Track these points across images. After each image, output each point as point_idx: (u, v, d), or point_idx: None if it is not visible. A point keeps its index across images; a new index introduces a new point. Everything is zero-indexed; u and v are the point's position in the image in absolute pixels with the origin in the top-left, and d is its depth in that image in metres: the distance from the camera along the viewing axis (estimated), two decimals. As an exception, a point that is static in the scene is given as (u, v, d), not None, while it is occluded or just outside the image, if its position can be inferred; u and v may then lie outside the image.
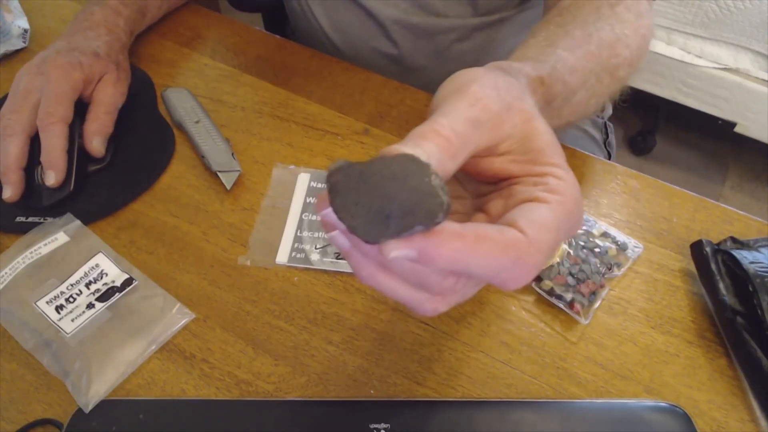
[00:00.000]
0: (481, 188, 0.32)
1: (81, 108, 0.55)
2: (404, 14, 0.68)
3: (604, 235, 0.51)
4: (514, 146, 0.29)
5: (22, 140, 0.52)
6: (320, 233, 0.51)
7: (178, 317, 0.46)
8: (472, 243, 0.24)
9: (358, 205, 0.24)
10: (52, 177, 0.51)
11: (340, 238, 0.27)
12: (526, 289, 0.48)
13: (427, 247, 0.24)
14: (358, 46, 0.73)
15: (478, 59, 0.71)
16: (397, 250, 0.24)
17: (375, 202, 0.24)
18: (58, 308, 0.46)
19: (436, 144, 0.26)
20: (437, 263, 0.24)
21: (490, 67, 0.34)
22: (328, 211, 0.25)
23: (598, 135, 0.79)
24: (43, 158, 0.52)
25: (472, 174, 0.31)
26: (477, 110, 0.28)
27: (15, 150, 0.51)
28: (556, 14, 0.49)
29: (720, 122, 1.69)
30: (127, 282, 0.47)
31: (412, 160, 0.24)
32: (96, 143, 0.54)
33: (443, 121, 0.27)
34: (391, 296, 0.28)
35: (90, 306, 0.46)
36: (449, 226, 0.24)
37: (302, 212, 0.52)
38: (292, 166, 0.56)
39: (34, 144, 0.53)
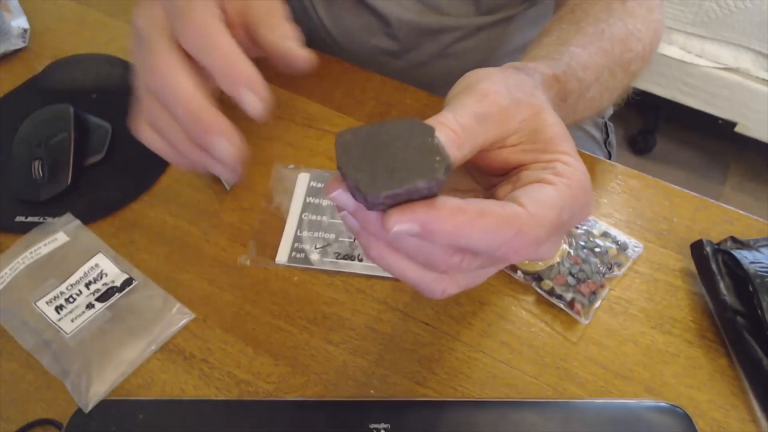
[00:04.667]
0: (493, 180, 0.33)
1: (73, 99, 0.55)
2: (407, 12, 0.68)
3: (605, 234, 0.51)
4: (523, 138, 0.30)
5: (188, 68, 0.33)
6: (320, 233, 0.51)
7: (177, 317, 0.46)
8: (473, 217, 0.25)
9: (363, 161, 0.25)
10: (254, 100, 0.34)
11: (350, 218, 0.27)
12: (527, 289, 0.48)
13: (429, 221, 0.25)
14: (360, 42, 0.73)
15: (481, 57, 0.71)
16: (399, 224, 0.25)
17: (380, 158, 0.25)
18: (58, 308, 0.46)
19: (443, 133, 0.27)
20: (440, 238, 0.25)
21: (503, 67, 0.35)
22: (338, 192, 0.26)
23: (598, 135, 0.79)
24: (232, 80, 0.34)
25: (483, 166, 0.32)
26: (484, 105, 0.29)
27: (184, 80, 0.33)
28: (567, 11, 0.49)
29: (720, 122, 1.68)
30: (127, 282, 0.47)
31: (416, 122, 0.26)
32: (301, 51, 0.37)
33: (449, 115, 0.28)
34: (400, 276, 0.29)
35: (90, 306, 0.46)
36: (451, 202, 0.25)
37: (302, 212, 0.52)
38: (291, 166, 0.56)
39: (37, 131, 0.52)
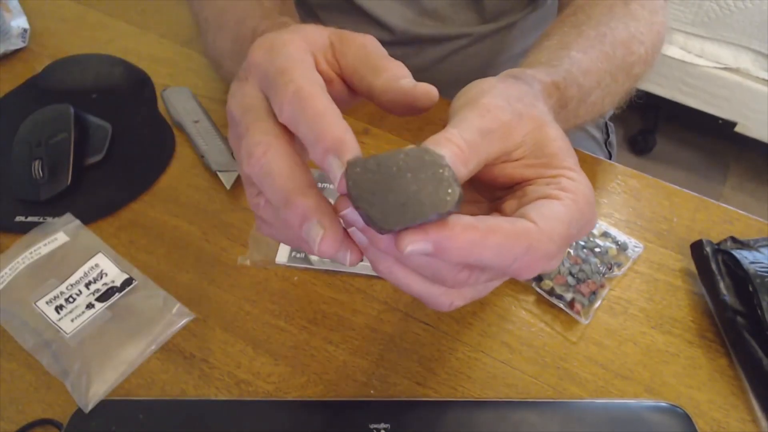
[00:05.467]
0: (497, 193, 0.33)
1: (73, 99, 0.55)
2: (411, 23, 0.67)
3: (605, 234, 0.51)
4: (527, 152, 0.30)
5: (283, 149, 0.28)
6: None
7: (177, 317, 0.46)
8: (484, 234, 0.25)
9: (375, 195, 0.25)
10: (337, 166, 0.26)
11: (358, 234, 0.27)
12: (527, 289, 0.48)
13: (441, 239, 0.24)
14: None
15: (483, 63, 0.71)
16: (413, 244, 0.24)
17: (391, 192, 0.25)
18: (58, 308, 0.46)
19: (449, 150, 0.27)
20: (452, 256, 0.25)
21: (503, 77, 0.34)
22: (349, 211, 0.26)
23: (598, 135, 0.79)
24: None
25: (488, 181, 0.32)
26: (487, 121, 0.29)
27: (277, 159, 0.28)
28: (570, 14, 0.49)
29: (720, 122, 1.69)
30: (127, 282, 0.47)
31: (426, 152, 0.25)
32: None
33: (454, 131, 0.28)
34: (407, 290, 0.29)
35: (90, 306, 0.46)
36: (462, 219, 0.25)
37: (302, 212, 0.52)
38: (292, 166, 0.56)
39: (37, 131, 0.52)
